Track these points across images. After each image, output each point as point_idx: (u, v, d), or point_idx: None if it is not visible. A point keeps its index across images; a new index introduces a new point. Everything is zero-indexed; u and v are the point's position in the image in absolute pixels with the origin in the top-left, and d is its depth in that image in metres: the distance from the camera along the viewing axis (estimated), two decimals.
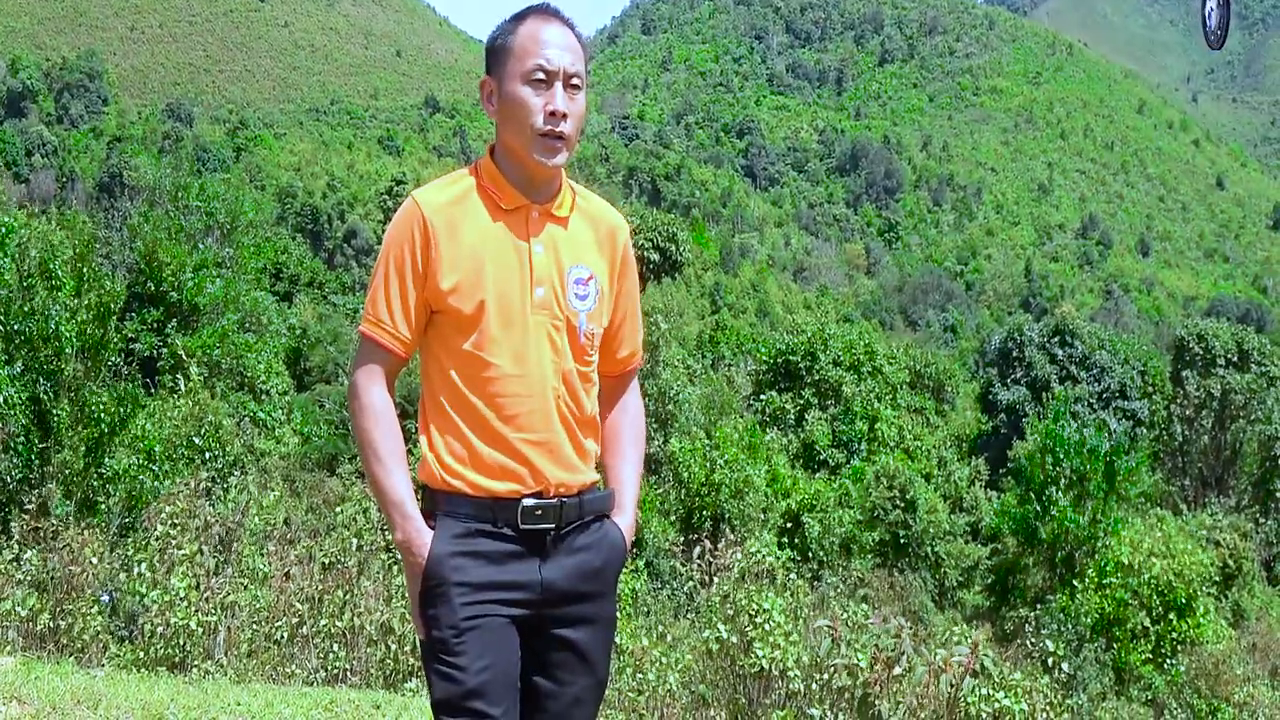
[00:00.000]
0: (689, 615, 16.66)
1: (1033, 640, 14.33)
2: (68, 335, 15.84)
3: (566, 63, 3.08)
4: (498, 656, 3.00)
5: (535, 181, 3.14)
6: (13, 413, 15.11)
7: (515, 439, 3.05)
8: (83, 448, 15.69)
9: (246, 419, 28.96)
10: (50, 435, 15.58)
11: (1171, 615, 24.30)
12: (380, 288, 3.06)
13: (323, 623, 9.94)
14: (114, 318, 17.29)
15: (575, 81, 3.11)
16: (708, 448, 27.55)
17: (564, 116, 3.07)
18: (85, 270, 16.90)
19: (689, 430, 29.09)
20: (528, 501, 3.04)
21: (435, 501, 3.05)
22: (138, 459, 16.40)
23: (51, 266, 16.31)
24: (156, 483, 15.78)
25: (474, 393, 3.04)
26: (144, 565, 9.86)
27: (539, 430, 3.07)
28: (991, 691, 7.77)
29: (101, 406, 15.89)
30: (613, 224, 3.32)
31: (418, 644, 3.21)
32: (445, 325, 3.06)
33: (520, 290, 3.07)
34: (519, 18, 3.15)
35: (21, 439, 15.25)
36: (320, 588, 10.41)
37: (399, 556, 11.08)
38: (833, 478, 33.85)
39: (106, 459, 15.90)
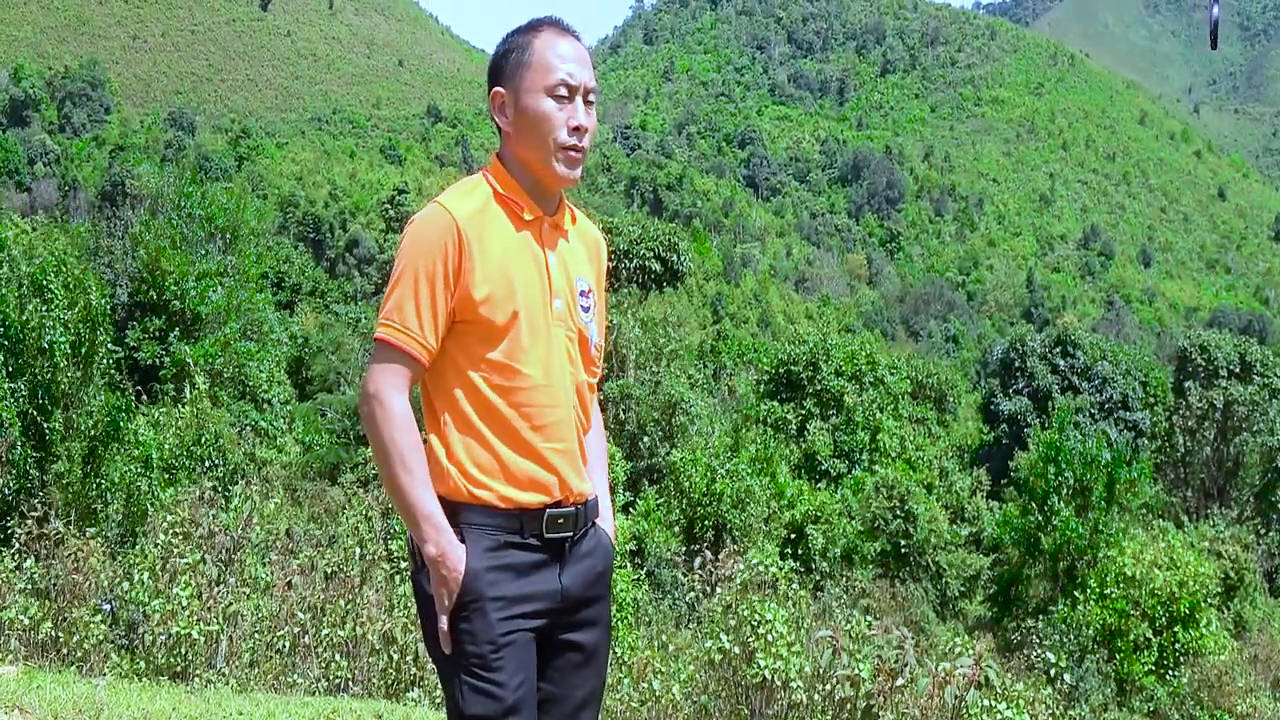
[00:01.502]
0: (690, 625, 16.64)
1: (1036, 652, 14.32)
2: (61, 347, 15.83)
3: (586, 78, 3.13)
4: (529, 672, 3.05)
5: (546, 193, 3.18)
6: (8, 425, 15.11)
7: (545, 449, 3.08)
8: (79, 457, 15.68)
9: (248, 428, 28.95)
10: (45, 446, 15.59)
11: (1175, 626, 24.26)
12: (409, 295, 3.02)
13: (325, 632, 9.93)
14: (103, 326, 17.28)
15: (591, 97, 3.16)
16: (709, 457, 27.55)
17: (585, 131, 3.11)
18: (69, 279, 16.89)
19: (699, 441, 29.09)
20: (551, 510, 3.08)
21: (457, 514, 3.04)
22: (135, 468, 16.38)
23: (43, 280, 16.30)
24: (157, 491, 15.77)
25: (504, 402, 3.05)
26: (146, 574, 9.85)
27: (565, 440, 3.12)
28: (994, 703, 7.76)
29: (91, 417, 15.89)
30: (598, 238, 3.40)
31: (428, 653, 3.19)
32: (469, 334, 3.06)
33: (542, 302, 3.10)
34: (532, 30, 3.17)
35: (17, 450, 15.24)
36: (322, 597, 10.40)
37: (401, 566, 11.10)
38: (834, 488, 33.83)
39: (105, 468, 15.89)
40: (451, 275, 3.02)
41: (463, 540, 3.01)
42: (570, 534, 3.12)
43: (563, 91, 3.08)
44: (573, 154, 3.11)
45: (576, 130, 3.10)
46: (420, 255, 3.03)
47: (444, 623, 3.02)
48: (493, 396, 3.04)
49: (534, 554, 3.06)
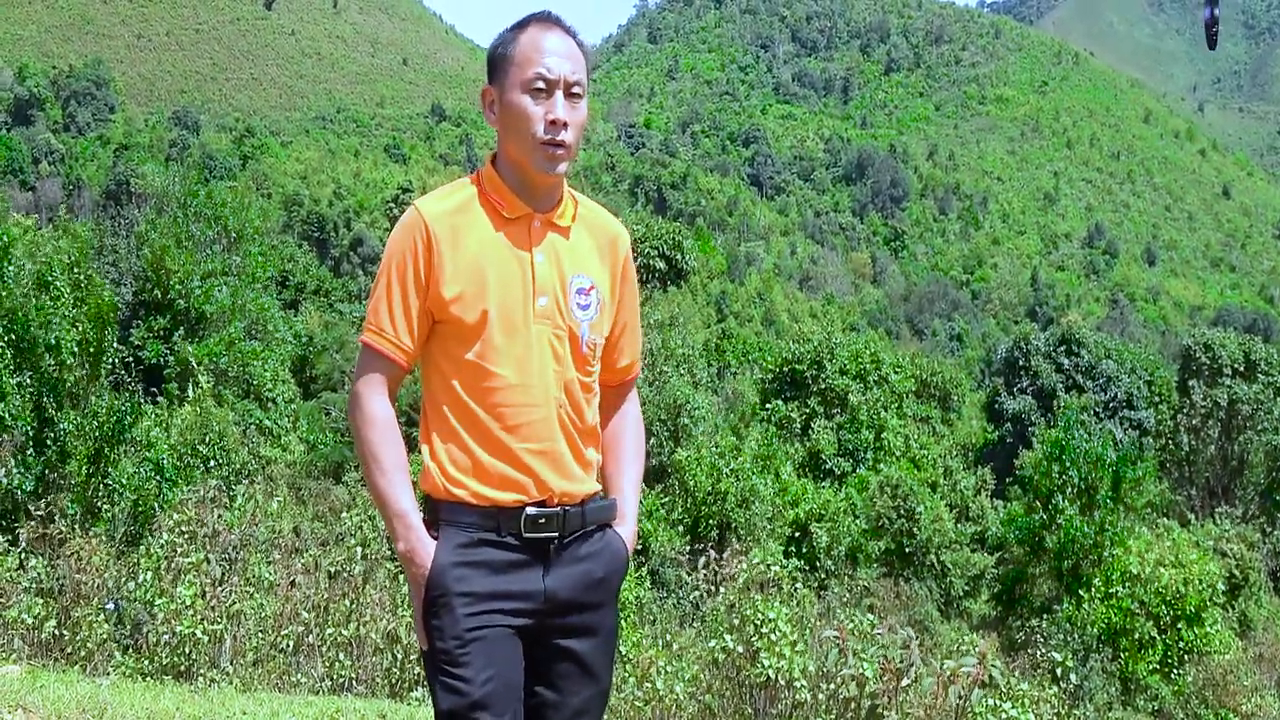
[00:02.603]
0: (694, 624, 16.63)
1: (1041, 651, 14.31)
2: (67, 345, 15.84)
3: (567, 71, 3.07)
4: (502, 667, 2.99)
5: (537, 190, 3.13)
6: (19, 423, 15.11)
7: (519, 449, 3.04)
8: (84, 457, 15.68)
9: (252, 427, 28.97)
10: (56, 444, 15.58)
11: (1180, 625, 24.23)
12: (382, 297, 3.05)
13: (328, 631, 9.93)
14: (112, 326, 17.30)
15: (576, 90, 3.09)
16: (714, 456, 27.53)
17: (565, 125, 3.05)
18: (81, 278, 16.91)
19: (704, 440, 29.06)
20: (531, 510, 3.03)
21: (438, 511, 3.04)
22: (144, 468, 16.39)
23: (48, 279, 16.31)
24: (164, 491, 15.78)
25: (477, 403, 3.03)
26: (150, 574, 9.86)
27: (542, 440, 3.06)
28: (999, 702, 7.74)
29: (99, 417, 15.89)
30: (614, 233, 3.31)
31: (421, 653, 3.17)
32: (447, 335, 3.05)
33: (523, 300, 3.06)
34: (520, 26, 3.13)
35: (29, 449, 15.25)
36: (326, 596, 10.40)
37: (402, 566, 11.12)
38: (838, 487, 33.80)
39: (111, 468, 15.89)
40: (423, 275, 3.02)
41: (438, 538, 3.02)
42: (554, 535, 3.06)
43: (540, 85, 3.04)
44: (550, 149, 3.05)
45: (554, 124, 3.04)
46: (393, 257, 3.06)
47: (418, 619, 3.03)
48: (469, 400, 3.03)
49: (513, 553, 3.02)
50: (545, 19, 3.13)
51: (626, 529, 3.27)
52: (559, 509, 3.07)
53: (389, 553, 11.45)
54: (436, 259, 3.02)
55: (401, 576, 10.95)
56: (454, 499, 3.03)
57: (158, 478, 16.28)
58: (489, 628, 2.97)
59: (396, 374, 3.08)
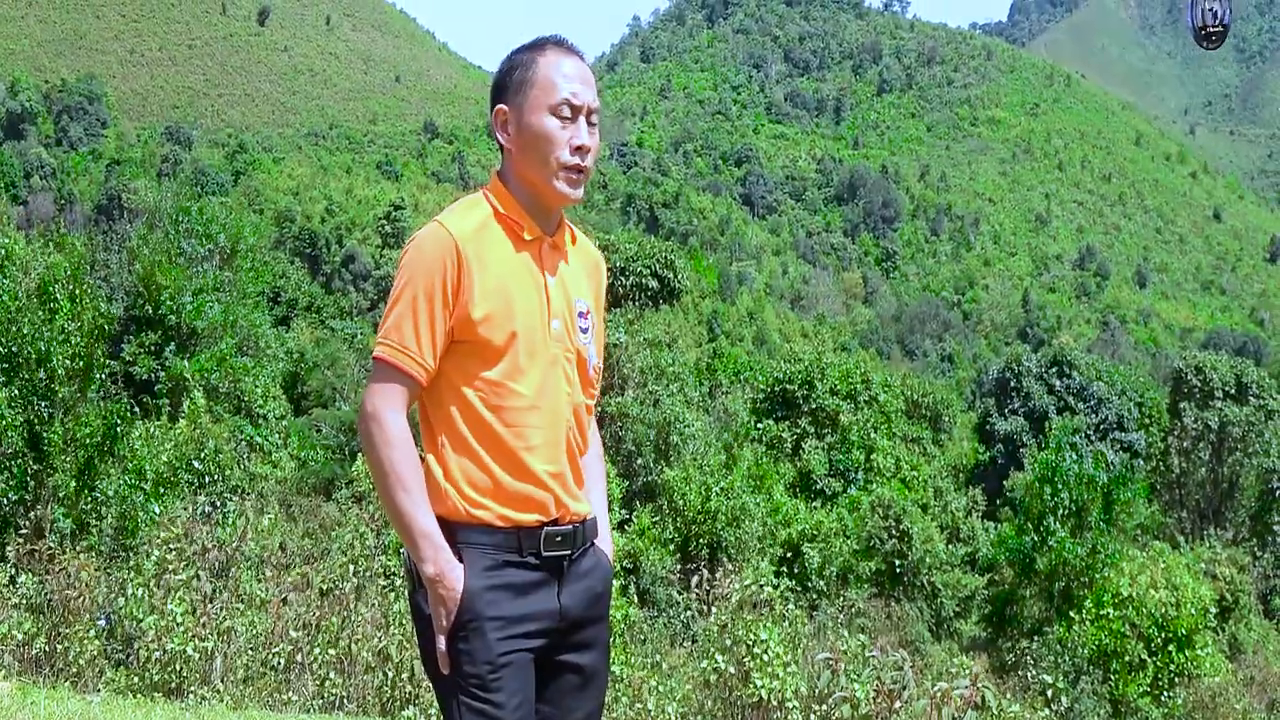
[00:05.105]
0: (685, 644, 16.61)
1: (1032, 673, 14.33)
2: (59, 357, 15.79)
3: (590, 98, 3.14)
4: (528, 692, 3.03)
5: (549, 213, 3.18)
6: (8, 435, 15.06)
7: (539, 469, 3.06)
8: (74, 469, 15.64)
9: (243, 443, 28.89)
10: (43, 457, 15.53)
11: (1171, 648, 24.22)
12: (407, 314, 3.01)
13: (319, 649, 9.89)
14: (105, 340, 17.26)
15: (594, 117, 3.17)
16: (703, 475, 27.51)
17: (588, 151, 3.11)
18: (77, 291, 16.89)
19: (693, 460, 29.04)
20: (549, 528, 3.06)
21: (455, 534, 3.02)
22: (129, 480, 16.33)
23: (50, 290, 16.28)
24: (152, 505, 15.72)
25: (499, 422, 3.04)
26: (141, 590, 9.82)
27: (557, 461, 3.10)
28: None
29: (88, 427, 15.85)
30: (597, 259, 3.38)
31: (425, 673, 3.16)
32: (467, 354, 3.04)
33: (541, 323, 3.09)
34: (536, 48, 3.17)
35: (16, 461, 15.19)
36: (317, 614, 10.36)
37: (396, 582, 11.07)
38: (829, 507, 33.79)
39: (99, 481, 15.85)
40: (450, 295, 3.00)
41: (461, 560, 3.00)
42: (568, 552, 3.10)
43: (566, 111, 3.09)
44: (574, 174, 3.10)
45: (579, 150, 3.10)
46: (419, 274, 3.02)
47: (442, 643, 3.00)
48: (487, 415, 3.03)
49: (532, 573, 3.04)
50: (561, 43, 3.19)
51: (607, 544, 3.32)
52: (570, 526, 3.11)
53: (380, 569, 11.42)
54: (466, 279, 3.01)
55: (394, 594, 10.92)
56: (477, 521, 3.03)
57: (142, 489, 16.21)
58: (517, 652, 3.00)
59: (414, 392, 3.06)
